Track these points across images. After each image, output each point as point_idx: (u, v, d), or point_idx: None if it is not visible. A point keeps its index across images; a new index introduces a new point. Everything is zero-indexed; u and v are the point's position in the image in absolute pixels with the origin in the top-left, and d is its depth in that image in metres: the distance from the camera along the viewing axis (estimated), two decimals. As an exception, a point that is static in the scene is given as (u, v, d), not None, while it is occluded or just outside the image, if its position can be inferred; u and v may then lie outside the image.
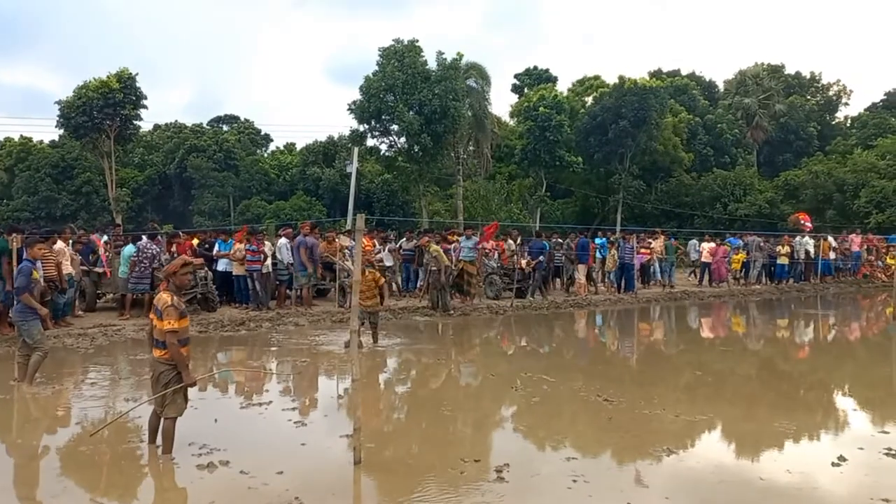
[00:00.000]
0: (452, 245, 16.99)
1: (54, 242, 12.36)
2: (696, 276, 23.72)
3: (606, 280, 20.32)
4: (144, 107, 38.28)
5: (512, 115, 47.70)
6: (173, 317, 5.55)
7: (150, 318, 5.79)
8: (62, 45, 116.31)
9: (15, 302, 8.54)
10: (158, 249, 14.17)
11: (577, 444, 6.32)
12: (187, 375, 5.70)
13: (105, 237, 15.68)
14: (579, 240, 19.67)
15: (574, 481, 5.23)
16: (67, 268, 12.61)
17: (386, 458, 5.87)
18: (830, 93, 53.17)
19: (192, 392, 7.50)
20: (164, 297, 5.65)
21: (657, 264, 21.65)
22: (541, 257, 18.23)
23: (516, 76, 51.70)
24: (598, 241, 20.05)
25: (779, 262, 23.07)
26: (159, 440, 5.82)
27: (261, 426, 6.84)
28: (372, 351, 10.75)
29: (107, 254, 14.57)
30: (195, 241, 16.55)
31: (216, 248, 15.73)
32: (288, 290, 16.12)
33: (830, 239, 25.11)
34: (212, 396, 8.32)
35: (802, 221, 26.26)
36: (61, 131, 39.64)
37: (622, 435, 6.60)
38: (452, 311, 15.30)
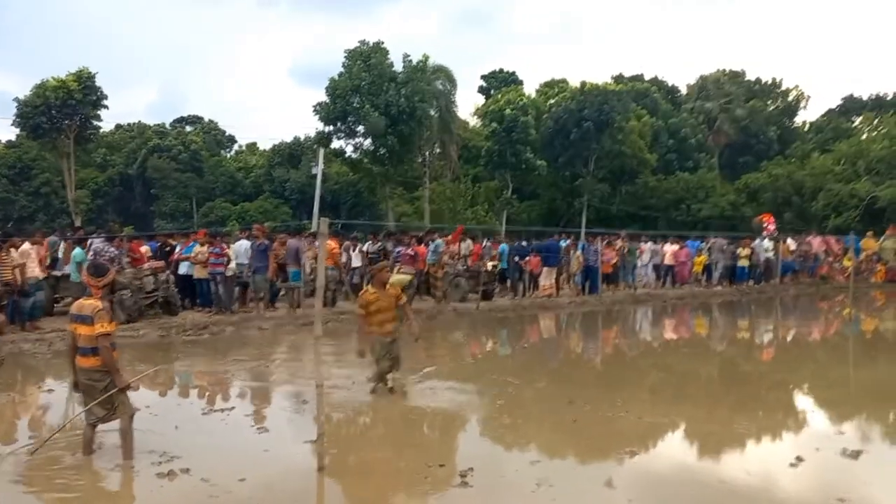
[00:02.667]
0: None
1: (13, 246, 12.18)
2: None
3: (571, 282, 20.47)
4: (105, 107, 37.53)
5: (477, 115, 47.83)
6: (106, 320, 5.45)
7: (73, 328, 5.60)
8: (19, 43, 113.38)
9: None
10: (118, 252, 13.89)
11: (541, 447, 6.35)
12: (120, 379, 5.57)
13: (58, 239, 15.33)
14: (548, 242, 19.85)
15: (538, 485, 5.25)
16: (34, 270, 12.43)
17: (350, 464, 5.82)
18: (790, 98, 54.39)
19: (152, 399, 7.37)
20: (91, 303, 5.53)
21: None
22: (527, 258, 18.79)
23: (483, 77, 51.84)
24: (561, 243, 20.21)
25: (739, 264, 23.48)
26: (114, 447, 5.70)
27: (222, 432, 6.74)
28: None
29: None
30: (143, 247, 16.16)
31: (177, 250, 15.49)
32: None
33: (790, 241, 25.65)
34: (172, 402, 8.18)
35: (766, 223, 26.73)
36: (18, 131, 38.72)
37: (586, 437, 6.65)
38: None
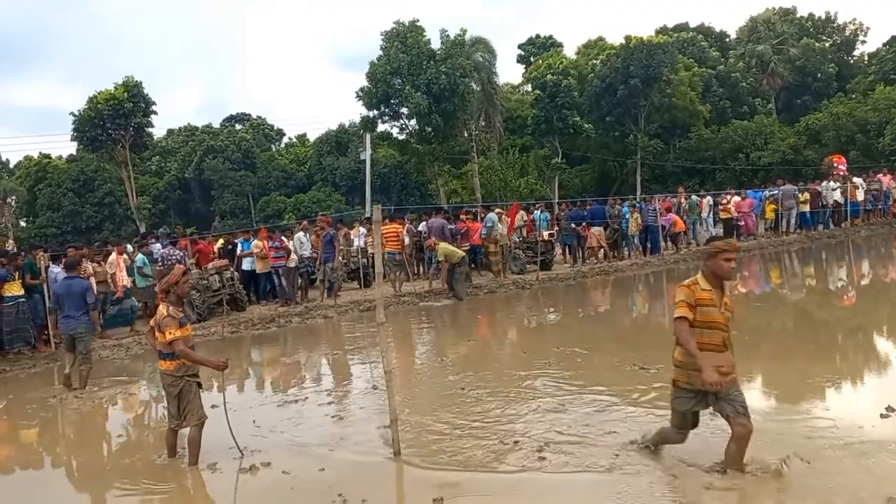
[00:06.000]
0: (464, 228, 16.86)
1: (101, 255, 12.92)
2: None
3: (632, 245, 20.10)
4: (154, 113, 38.61)
5: (512, 92, 47.25)
6: (172, 327, 5.54)
7: (155, 336, 5.73)
8: (67, 59, 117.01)
9: (77, 317, 8.75)
10: (182, 254, 14.30)
11: (616, 417, 6.24)
12: (210, 363, 5.71)
13: (129, 246, 15.84)
14: (592, 206, 19.55)
15: (617, 455, 5.16)
16: (123, 279, 13.00)
17: (425, 448, 5.83)
18: (847, 32, 51.78)
19: (228, 394, 7.54)
20: (160, 310, 5.68)
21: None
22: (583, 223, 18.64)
23: (520, 46, 51.03)
24: (624, 208, 19.90)
25: (801, 209, 22.62)
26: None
27: (299, 423, 6.84)
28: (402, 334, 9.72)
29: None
30: (219, 243, 16.72)
31: (239, 247, 15.82)
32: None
33: (857, 180, 24.53)
34: (248, 396, 8.37)
35: (836, 164, 25.58)
36: (77, 145, 40.21)
37: (662, 404, 6.49)
38: (463, 297, 14.68)
